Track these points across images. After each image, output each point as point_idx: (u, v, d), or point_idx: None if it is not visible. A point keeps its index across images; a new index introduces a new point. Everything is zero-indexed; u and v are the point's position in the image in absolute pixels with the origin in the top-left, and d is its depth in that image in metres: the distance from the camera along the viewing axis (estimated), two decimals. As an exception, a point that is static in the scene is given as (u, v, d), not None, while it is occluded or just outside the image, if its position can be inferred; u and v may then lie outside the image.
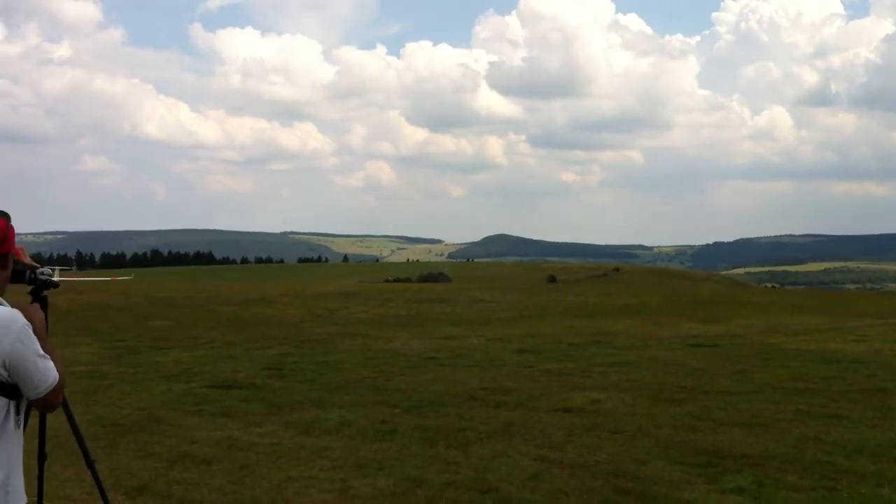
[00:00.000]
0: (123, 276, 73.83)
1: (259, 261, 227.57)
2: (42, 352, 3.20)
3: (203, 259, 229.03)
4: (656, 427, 10.28)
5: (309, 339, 20.91)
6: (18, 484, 3.22)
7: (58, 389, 3.24)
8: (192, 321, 26.58)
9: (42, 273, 3.71)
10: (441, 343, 20.16)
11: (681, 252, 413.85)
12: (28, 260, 3.67)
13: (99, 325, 24.51)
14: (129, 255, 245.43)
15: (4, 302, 3.26)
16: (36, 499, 4.22)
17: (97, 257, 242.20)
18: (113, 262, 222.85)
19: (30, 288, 3.70)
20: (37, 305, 3.58)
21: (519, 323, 26.63)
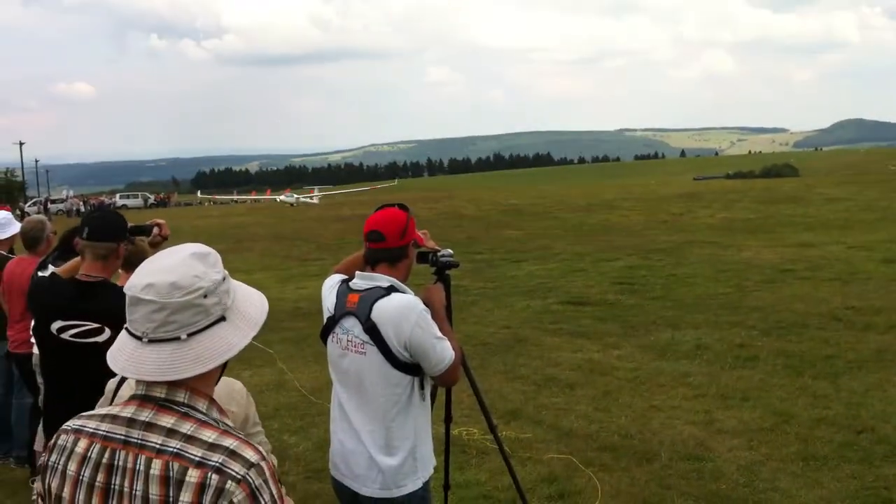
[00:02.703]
0: (387, 184, 77.61)
1: (595, 160, 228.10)
2: (439, 334, 3.54)
3: (542, 160, 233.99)
4: None
5: (656, 249, 20.88)
6: (425, 451, 3.67)
7: (454, 367, 3.61)
8: (540, 230, 27.50)
9: (443, 255, 4.10)
10: (796, 252, 19.27)
11: None
12: (431, 244, 4.07)
13: (455, 235, 25.98)
14: (473, 160, 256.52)
15: (407, 288, 3.67)
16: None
17: (445, 163, 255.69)
18: (459, 166, 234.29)
19: (433, 269, 4.12)
20: (439, 286, 3.97)
21: (882, 225, 24.66)
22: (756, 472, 6.35)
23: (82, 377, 3.65)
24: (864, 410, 7.74)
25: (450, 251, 4.15)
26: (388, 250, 3.63)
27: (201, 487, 1.65)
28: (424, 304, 3.63)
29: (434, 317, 3.61)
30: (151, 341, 1.77)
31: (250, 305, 1.91)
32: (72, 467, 1.78)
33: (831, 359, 9.59)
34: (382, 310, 3.49)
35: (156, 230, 4.29)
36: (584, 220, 30.85)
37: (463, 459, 6.62)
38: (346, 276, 3.78)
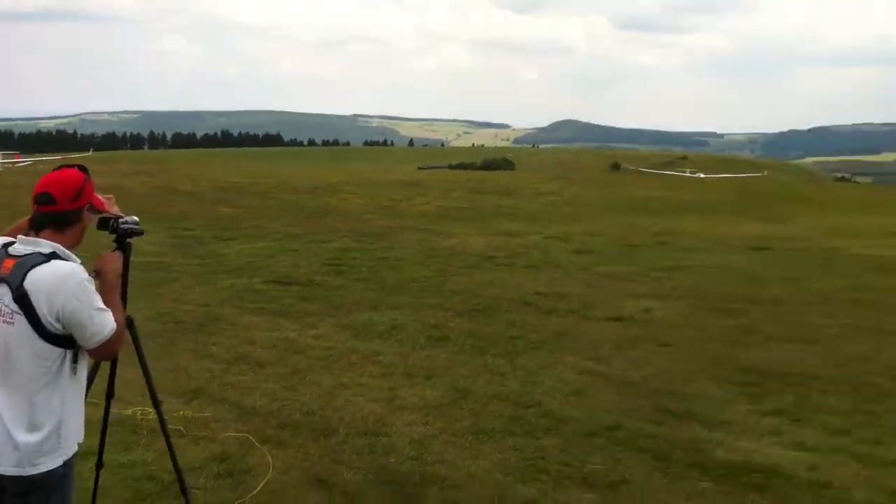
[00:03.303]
0: (82, 154, 75.06)
1: (325, 143, 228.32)
2: (101, 305, 3.38)
3: (272, 140, 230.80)
4: (705, 341, 10.39)
5: (370, 233, 21.18)
6: (72, 428, 3.48)
7: (113, 341, 3.45)
8: (257, 210, 27.03)
9: (126, 222, 3.91)
10: (500, 241, 20.29)
11: (753, 140, 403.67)
12: (115, 210, 3.85)
13: (166, 210, 24.94)
14: (199, 135, 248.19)
15: (73, 256, 3.45)
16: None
17: (169, 137, 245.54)
18: (183, 141, 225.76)
19: (114, 237, 3.91)
20: (115, 254, 3.79)
21: (580, 219, 26.55)
22: (427, 446, 6.60)
23: None
24: (536, 387, 8.28)
25: (135, 218, 3.98)
26: (57, 214, 3.43)
27: None
28: (96, 272, 3.50)
29: (102, 286, 3.48)
30: None
31: None
32: None
33: (514, 339, 10.19)
34: (37, 277, 3.29)
35: None
36: (306, 202, 30.69)
37: (132, 439, 6.36)
38: (9, 240, 3.51)
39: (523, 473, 6.16)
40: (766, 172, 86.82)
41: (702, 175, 68.44)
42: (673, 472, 6.16)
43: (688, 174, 70.66)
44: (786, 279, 15.14)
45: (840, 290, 14.03)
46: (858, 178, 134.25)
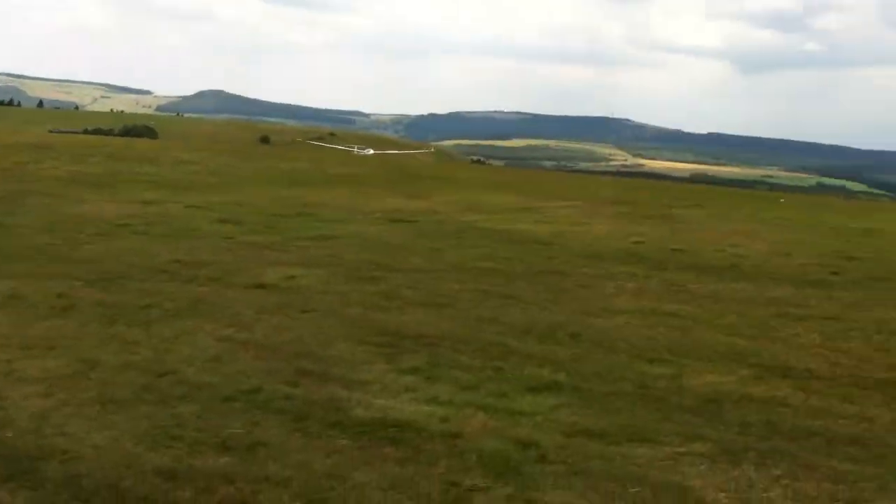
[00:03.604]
0: None
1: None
2: None
3: None
4: (347, 306, 10.52)
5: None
6: None
7: None
8: None
9: None
10: (137, 208, 19.24)
11: (397, 121, 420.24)
12: None
13: None
14: None
15: None
16: None
17: None
18: None
19: None
20: None
21: (225, 189, 25.91)
22: (47, 419, 6.08)
23: None
24: (171, 355, 7.90)
25: None
26: None
27: None
28: None
29: None
30: None
31: None
32: None
33: (148, 308, 9.68)
34: None
35: None
36: None
37: None
38: None
39: (156, 441, 5.83)
40: (432, 149, 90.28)
41: (371, 151, 69.08)
42: (312, 432, 6.13)
43: (356, 151, 70.52)
44: (425, 249, 15.79)
45: (473, 259, 14.88)
46: (492, 161, 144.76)
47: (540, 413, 6.78)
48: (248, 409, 6.54)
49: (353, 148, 69.44)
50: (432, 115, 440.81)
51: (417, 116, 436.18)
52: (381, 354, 8.39)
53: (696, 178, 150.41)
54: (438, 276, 12.97)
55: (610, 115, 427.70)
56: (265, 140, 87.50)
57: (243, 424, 6.20)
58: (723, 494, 5.41)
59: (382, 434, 6.15)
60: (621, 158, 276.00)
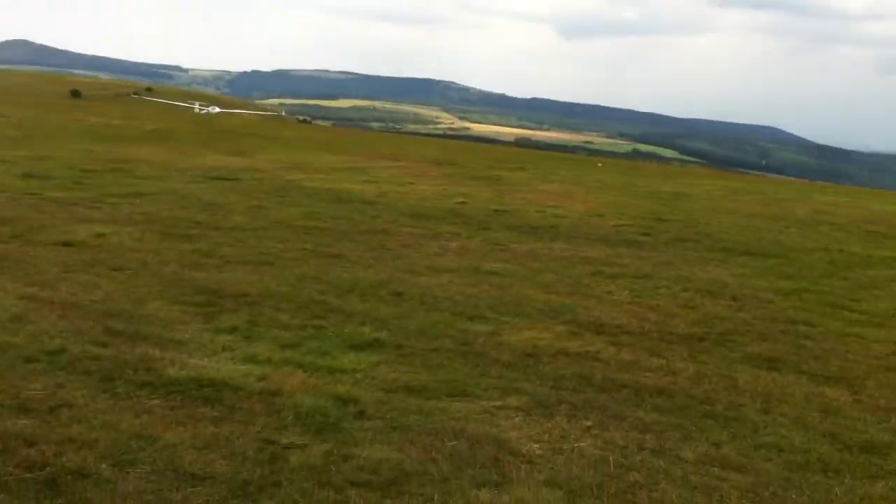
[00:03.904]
0: None
1: None
2: None
3: None
4: (162, 264, 10.11)
5: None
6: None
7: None
8: None
9: None
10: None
11: (218, 77, 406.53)
12: None
13: None
14: None
15: None
16: None
17: None
18: None
19: None
20: None
21: (30, 143, 24.46)
22: None
23: None
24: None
25: None
26: None
27: None
28: None
29: None
30: None
31: None
32: None
33: (-58, 265, 8.95)
34: None
35: None
36: None
37: None
38: None
39: None
40: (283, 112, 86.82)
41: (217, 110, 64.59)
42: (120, 393, 5.84)
43: (198, 108, 64.37)
44: (246, 207, 15.41)
45: (296, 217, 14.64)
46: (320, 122, 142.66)
47: (360, 370, 6.74)
48: (50, 369, 6.16)
49: (195, 105, 63.33)
50: (256, 72, 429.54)
51: (240, 73, 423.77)
52: (198, 314, 8.11)
53: (520, 143, 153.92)
54: (260, 235, 12.68)
55: (437, 78, 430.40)
56: (76, 94, 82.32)
57: (45, 385, 5.83)
58: (536, 445, 5.54)
59: (197, 394, 5.94)
60: (448, 121, 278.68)
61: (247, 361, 6.76)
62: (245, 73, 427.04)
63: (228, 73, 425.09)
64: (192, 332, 7.48)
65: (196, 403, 5.78)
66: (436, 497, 4.71)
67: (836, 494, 5.14)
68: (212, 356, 6.85)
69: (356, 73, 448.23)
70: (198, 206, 15.08)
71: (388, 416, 5.80)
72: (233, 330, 7.65)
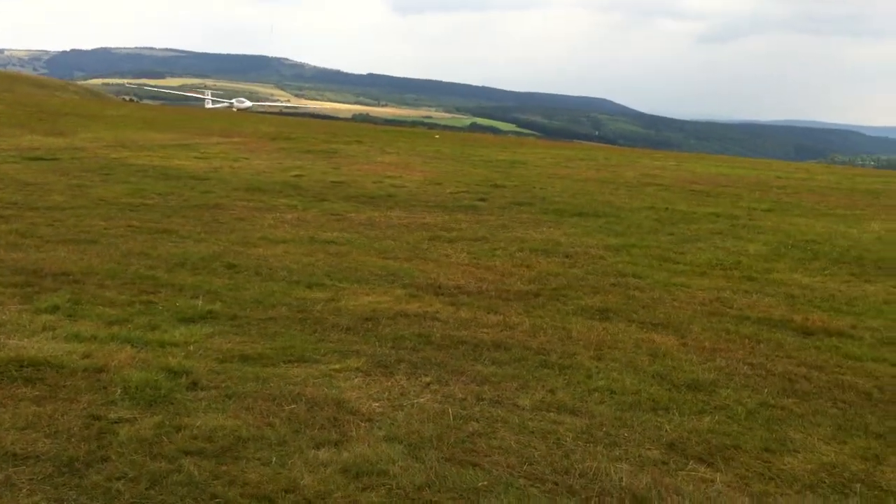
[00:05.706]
0: None
1: None
2: None
3: None
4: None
5: None
6: None
7: None
8: None
9: None
10: None
11: (35, 57, 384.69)
12: None
13: None
14: None
15: None
16: None
17: None
18: None
19: None
20: None
21: None
22: None
23: None
24: None
25: None
26: None
27: None
28: None
29: None
30: None
31: None
32: None
33: None
34: None
35: None
36: None
37: None
38: None
39: None
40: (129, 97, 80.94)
41: (248, 104, 58.29)
42: (-72, 379, 5.42)
43: (210, 103, 55.92)
44: (66, 186, 14.66)
45: (121, 195, 14.03)
46: (147, 102, 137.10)
47: (193, 342, 6.52)
48: None
49: (206, 96, 51.91)
50: (76, 51, 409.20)
51: (59, 52, 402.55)
52: (16, 294, 7.65)
53: (357, 119, 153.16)
54: (82, 213, 12.09)
55: (268, 55, 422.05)
56: None
57: None
58: (376, 404, 5.51)
59: (16, 374, 5.58)
60: (283, 98, 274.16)
61: (70, 340, 6.41)
62: (64, 52, 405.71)
63: (46, 52, 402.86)
64: (9, 314, 7.03)
65: (16, 384, 5.44)
66: (273, 460, 4.61)
67: (666, 430, 5.35)
68: (32, 336, 6.46)
69: (183, 51, 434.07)
70: (13, 186, 14.22)
71: (222, 386, 5.63)
72: (54, 309, 7.25)
